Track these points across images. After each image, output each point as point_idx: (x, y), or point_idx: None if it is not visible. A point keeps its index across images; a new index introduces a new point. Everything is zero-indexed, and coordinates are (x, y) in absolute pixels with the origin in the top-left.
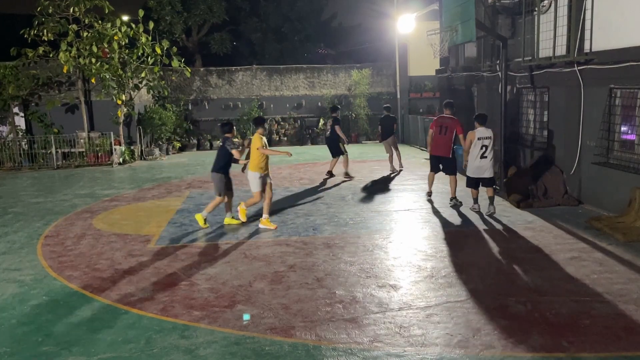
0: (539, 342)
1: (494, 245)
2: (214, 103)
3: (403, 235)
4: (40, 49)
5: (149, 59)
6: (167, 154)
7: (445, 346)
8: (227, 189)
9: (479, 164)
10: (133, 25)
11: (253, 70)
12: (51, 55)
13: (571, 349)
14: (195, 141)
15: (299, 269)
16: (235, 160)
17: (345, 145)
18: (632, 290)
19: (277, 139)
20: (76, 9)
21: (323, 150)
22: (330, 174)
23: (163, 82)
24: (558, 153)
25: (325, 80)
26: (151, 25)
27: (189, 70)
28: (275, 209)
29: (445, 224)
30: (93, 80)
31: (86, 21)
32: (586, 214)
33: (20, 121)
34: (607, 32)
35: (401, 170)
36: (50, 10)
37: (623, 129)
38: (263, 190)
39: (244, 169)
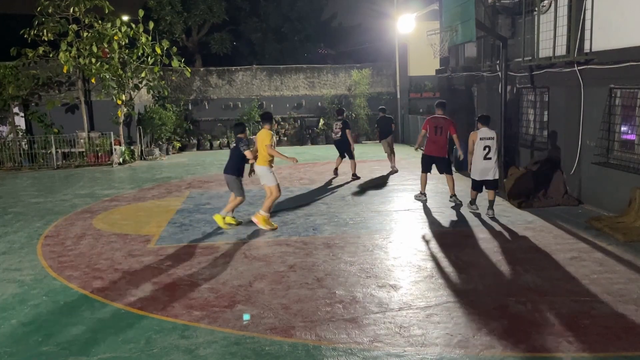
0: (539, 342)
1: (494, 245)
2: (214, 103)
3: (403, 235)
4: (40, 49)
5: (149, 59)
6: (167, 154)
7: (445, 346)
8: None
9: (484, 165)
10: (133, 25)
11: (253, 70)
12: (51, 55)
13: (571, 349)
14: (195, 141)
15: (299, 269)
16: (247, 161)
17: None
18: (632, 290)
19: (277, 138)
20: (76, 9)
21: (323, 150)
22: (354, 175)
23: (163, 82)
24: (558, 153)
25: (325, 80)
26: (151, 25)
27: (189, 70)
28: (276, 209)
29: (445, 224)
30: (93, 80)
31: (86, 21)
32: (586, 214)
33: (20, 121)
34: (607, 32)
35: (395, 171)
36: (50, 10)
37: (623, 129)
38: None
39: (250, 173)
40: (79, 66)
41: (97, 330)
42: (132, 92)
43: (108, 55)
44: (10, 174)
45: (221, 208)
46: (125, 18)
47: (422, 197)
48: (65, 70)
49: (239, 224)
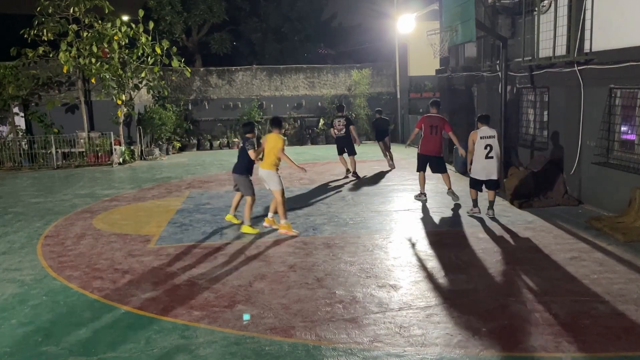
0: (539, 342)
1: (494, 245)
2: (214, 103)
3: (403, 235)
4: (40, 49)
5: (149, 59)
6: (167, 154)
7: (445, 346)
8: (237, 190)
9: (485, 164)
10: (133, 25)
11: (253, 70)
12: (51, 55)
13: (571, 349)
14: (195, 141)
15: (299, 269)
16: (252, 161)
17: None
18: (632, 290)
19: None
20: (76, 9)
21: (323, 150)
22: (355, 174)
23: (163, 82)
24: (558, 153)
25: (325, 80)
26: (151, 25)
27: (189, 70)
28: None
29: (445, 224)
30: (93, 80)
31: (86, 21)
32: (586, 214)
33: (20, 121)
34: (607, 32)
35: (393, 168)
36: (50, 10)
37: (623, 129)
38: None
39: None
40: (79, 66)
41: (97, 330)
42: (132, 92)
43: (108, 55)
44: (10, 174)
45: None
46: (125, 18)
47: (422, 197)
48: (65, 70)
49: (241, 223)
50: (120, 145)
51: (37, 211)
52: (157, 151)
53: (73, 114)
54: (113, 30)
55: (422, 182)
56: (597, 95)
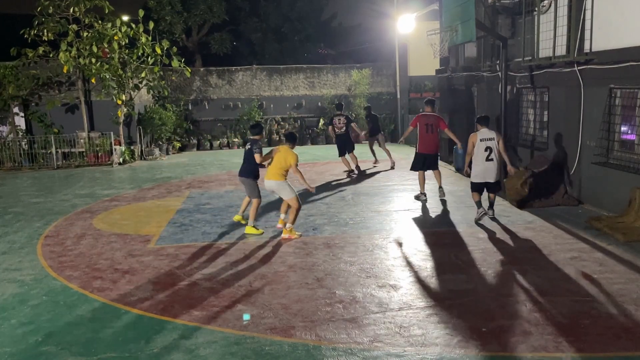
0: (539, 342)
1: (494, 245)
2: (214, 103)
3: (403, 235)
4: (40, 49)
5: (149, 59)
6: (167, 154)
7: (445, 346)
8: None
9: (485, 167)
10: (133, 25)
11: (253, 70)
12: (51, 55)
13: (571, 349)
14: (195, 141)
15: (299, 269)
16: (258, 164)
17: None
18: (632, 290)
19: (278, 138)
20: (76, 9)
21: (323, 150)
22: (358, 168)
23: (163, 82)
24: (558, 153)
25: (325, 80)
26: (151, 25)
27: (189, 70)
28: (275, 210)
29: (445, 223)
30: (93, 80)
31: (86, 21)
32: (586, 214)
33: (20, 121)
34: (607, 32)
35: (375, 166)
36: (50, 10)
37: (623, 129)
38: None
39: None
40: (79, 66)
41: (97, 330)
42: (132, 92)
43: (108, 55)
44: (10, 174)
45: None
46: (125, 18)
47: (422, 197)
48: (65, 70)
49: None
50: (120, 145)
51: (37, 211)
52: (157, 151)
53: (73, 114)
54: (113, 30)
55: (422, 182)
56: (597, 95)
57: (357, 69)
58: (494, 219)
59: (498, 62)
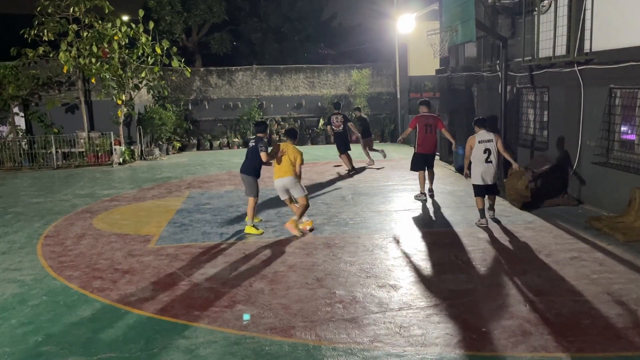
0: (539, 342)
1: (494, 245)
2: (214, 103)
3: (403, 235)
4: (40, 49)
5: (149, 59)
6: (167, 154)
7: (445, 346)
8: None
9: (485, 169)
10: (133, 25)
11: (253, 70)
12: (51, 55)
13: (571, 349)
14: (195, 141)
15: (299, 269)
16: (263, 163)
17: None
18: (632, 290)
19: (277, 138)
20: (76, 9)
21: (323, 150)
22: (353, 168)
23: (163, 82)
24: (558, 153)
25: (325, 80)
26: (151, 25)
27: (189, 70)
28: (276, 210)
29: (445, 223)
30: (93, 80)
31: (86, 21)
32: (586, 214)
33: (20, 121)
34: (607, 32)
35: (366, 167)
36: (50, 10)
37: (623, 129)
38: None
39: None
40: (79, 66)
41: (97, 330)
42: (132, 92)
43: (108, 55)
44: (10, 174)
45: (220, 209)
46: (125, 18)
47: (422, 196)
48: (65, 70)
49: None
50: (120, 145)
51: (37, 211)
52: (157, 151)
53: (73, 114)
54: (113, 30)
55: (422, 182)
56: (597, 95)
57: (357, 69)
58: (494, 219)
59: (498, 62)
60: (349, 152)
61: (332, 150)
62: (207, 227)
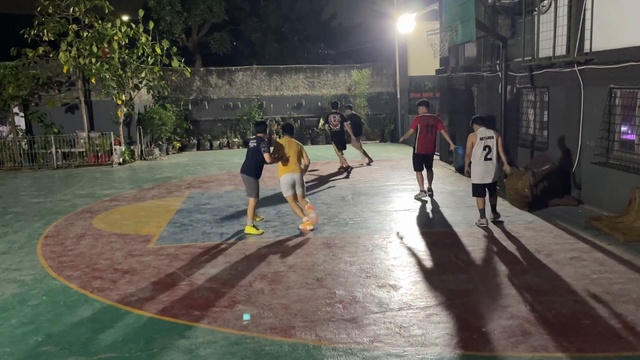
0: (539, 342)
1: (494, 245)
2: (214, 103)
3: (403, 235)
4: (40, 49)
5: (149, 59)
6: (167, 154)
7: (445, 346)
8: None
9: (484, 167)
10: (133, 25)
11: (253, 70)
12: (51, 55)
13: (571, 349)
14: (195, 141)
15: (299, 269)
16: (266, 163)
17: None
18: (632, 290)
19: (277, 138)
20: (76, 9)
21: (323, 150)
22: (347, 168)
23: (163, 82)
24: (558, 153)
25: (325, 80)
26: (151, 25)
27: (189, 70)
28: (276, 210)
29: (445, 224)
30: (93, 80)
31: (86, 21)
32: (586, 214)
33: (20, 121)
34: (607, 32)
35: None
36: (50, 10)
37: (623, 129)
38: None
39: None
40: (79, 66)
41: (97, 330)
42: (132, 92)
43: (108, 55)
44: (10, 174)
45: (220, 209)
46: (125, 18)
47: (422, 194)
48: (65, 70)
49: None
50: (120, 145)
51: (37, 211)
52: (157, 151)
53: (73, 114)
54: (113, 30)
55: (421, 181)
56: (597, 95)
57: (357, 69)
58: (497, 222)
59: (498, 62)
60: (343, 151)
61: (332, 150)
62: (207, 227)
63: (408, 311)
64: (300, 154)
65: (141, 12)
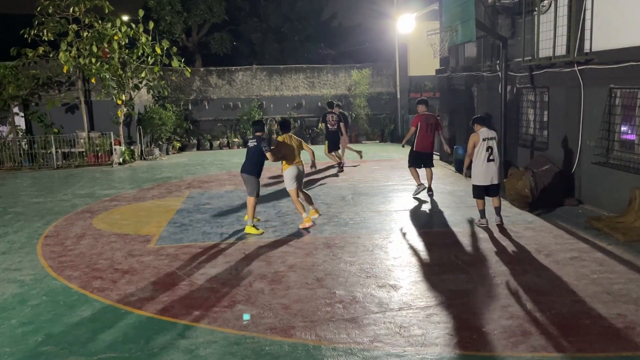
0: (539, 342)
1: (494, 245)
2: (214, 103)
3: (403, 235)
4: (40, 49)
5: (149, 59)
6: (167, 154)
7: (445, 346)
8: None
9: (486, 168)
10: (133, 25)
11: (253, 70)
12: (51, 55)
13: (571, 349)
14: (195, 141)
15: (299, 269)
16: (265, 158)
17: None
18: (632, 290)
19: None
20: (76, 9)
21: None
22: (340, 166)
23: (163, 82)
24: (558, 153)
25: (325, 80)
26: (151, 25)
27: (189, 70)
28: (276, 210)
29: (444, 224)
30: (93, 80)
31: (86, 21)
32: (586, 214)
33: (20, 121)
34: (607, 32)
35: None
36: (50, 10)
37: (623, 129)
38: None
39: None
40: (79, 66)
41: (97, 330)
42: (132, 92)
43: (108, 55)
44: (10, 174)
45: (220, 209)
46: (125, 18)
47: (420, 187)
48: (65, 70)
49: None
50: (120, 145)
51: (37, 211)
52: (157, 151)
53: (73, 114)
54: (113, 30)
55: (417, 175)
56: (597, 95)
57: (357, 69)
58: (500, 226)
59: (498, 62)
60: (337, 151)
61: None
62: (207, 227)
63: (408, 311)
64: (300, 147)
65: (141, 12)
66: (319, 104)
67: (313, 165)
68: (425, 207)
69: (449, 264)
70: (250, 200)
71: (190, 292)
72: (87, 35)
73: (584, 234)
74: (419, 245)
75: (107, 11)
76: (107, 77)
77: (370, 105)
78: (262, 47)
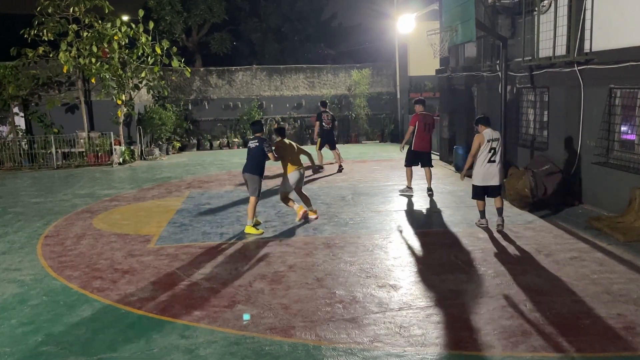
0: (539, 342)
1: (494, 245)
2: (214, 103)
3: (403, 235)
4: (40, 49)
5: (149, 59)
6: (167, 154)
7: (445, 346)
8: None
9: (487, 169)
10: (133, 25)
11: (253, 70)
12: (51, 55)
13: (571, 349)
14: (195, 141)
15: (299, 269)
16: (267, 158)
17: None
18: (632, 290)
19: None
20: (76, 9)
21: (323, 150)
22: (340, 167)
23: (163, 82)
24: (558, 153)
25: (325, 80)
26: (151, 25)
27: (189, 70)
28: (275, 210)
29: (444, 224)
30: (93, 80)
31: (86, 21)
32: (586, 214)
33: (20, 121)
34: (607, 32)
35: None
36: (50, 10)
37: (623, 129)
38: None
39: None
40: (79, 66)
41: (97, 330)
42: (132, 92)
43: (108, 55)
44: (10, 174)
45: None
46: (125, 18)
47: (408, 191)
48: (65, 70)
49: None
50: (120, 145)
51: (37, 211)
52: (157, 151)
53: (73, 114)
54: (113, 30)
55: (410, 177)
56: (597, 95)
57: (357, 69)
58: (500, 231)
59: (498, 62)
60: (329, 150)
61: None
62: (207, 227)
63: (408, 311)
64: (299, 151)
65: (141, 12)
66: (319, 104)
67: (313, 166)
68: (425, 207)
69: (449, 264)
70: (252, 200)
71: (190, 292)
72: (87, 35)
73: (584, 234)
74: (419, 245)
75: (107, 11)
76: (107, 77)
77: (370, 105)
78: (262, 47)
